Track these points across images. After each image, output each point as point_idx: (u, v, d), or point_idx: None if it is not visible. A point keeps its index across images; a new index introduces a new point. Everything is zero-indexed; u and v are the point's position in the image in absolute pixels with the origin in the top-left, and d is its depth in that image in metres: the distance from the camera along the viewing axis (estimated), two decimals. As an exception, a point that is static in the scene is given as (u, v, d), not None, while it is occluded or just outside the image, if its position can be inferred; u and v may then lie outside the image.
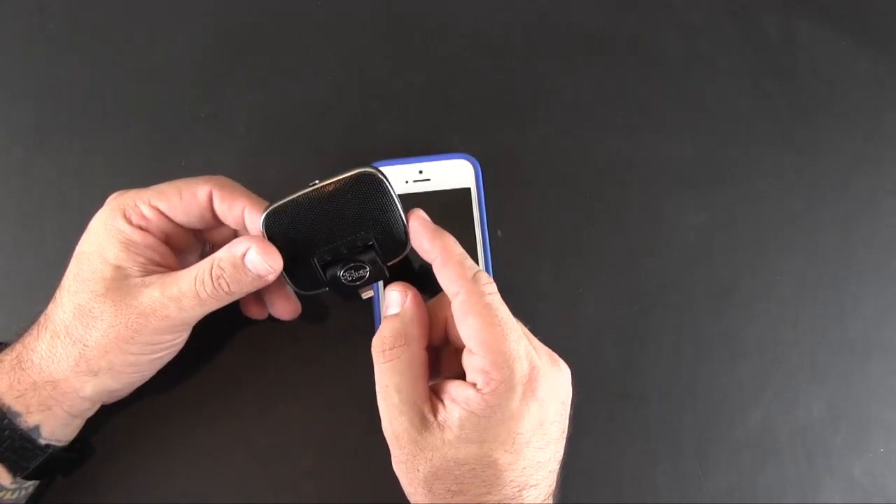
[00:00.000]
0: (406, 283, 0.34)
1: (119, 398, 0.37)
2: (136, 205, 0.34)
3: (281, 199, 0.32)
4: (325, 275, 0.34)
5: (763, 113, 0.47)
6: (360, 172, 0.32)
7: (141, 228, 0.34)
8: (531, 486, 0.31)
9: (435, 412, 0.31)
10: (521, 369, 0.31)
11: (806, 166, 0.46)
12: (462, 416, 0.30)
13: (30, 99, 0.46)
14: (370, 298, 0.41)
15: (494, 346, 0.30)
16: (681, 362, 0.43)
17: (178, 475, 0.40)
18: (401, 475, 0.33)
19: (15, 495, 0.35)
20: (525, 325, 0.33)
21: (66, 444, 0.36)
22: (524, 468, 0.31)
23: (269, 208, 0.32)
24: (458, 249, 0.33)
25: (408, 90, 0.47)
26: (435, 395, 0.32)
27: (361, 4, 0.48)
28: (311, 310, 0.42)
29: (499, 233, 0.43)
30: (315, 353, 0.42)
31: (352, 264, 0.34)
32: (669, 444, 0.41)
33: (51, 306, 0.34)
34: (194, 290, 0.33)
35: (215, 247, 0.34)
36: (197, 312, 0.33)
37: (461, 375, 0.32)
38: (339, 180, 0.32)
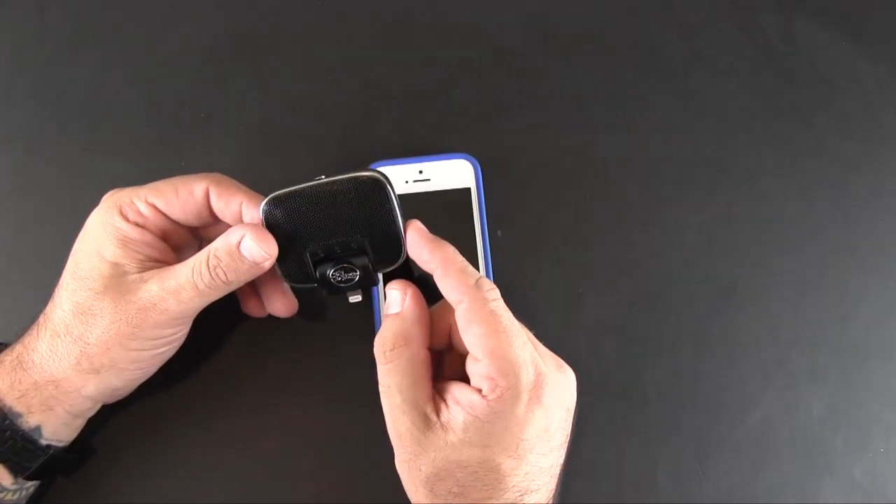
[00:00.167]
0: (406, 281, 0.34)
1: (120, 397, 0.37)
2: (132, 202, 0.34)
3: (286, 187, 0.33)
4: (315, 271, 0.34)
5: (763, 113, 0.47)
6: (366, 176, 0.32)
7: (138, 225, 0.34)
8: (532, 492, 0.31)
9: (438, 412, 0.32)
10: (526, 376, 0.30)
11: (806, 166, 0.46)
12: (466, 420, 0.30)
13: (30, 99, 0.46)
14: (371, 297, 0.41)
15: (500, 352, 0.30)
16: (681, 362, 0.43)
17: (178, 475, 0.40)
18: (403, 474, 0.33)
19: (16, 496, 0.35)
20: (529, 328, 0.33)
21: (67, 444, 0.36)
22: (527, 473, 0.31)
23: (272, 195, 0.33)
24: (459, 258, 0.33)
25: (408, 90, 0.47)
26: (439, 395, 0.32)
27: (361, 4, 0.48)
28: (312, 309, 0.42)
29: (499, 233, 0.43)
30: (315, 353, 0.42)
31: (343, 265, 0.34)
32: (669, 444, 0.41)
33: (50, 305, 0.34)
34: (192, 282, 0.33)
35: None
36: (196, 304, 0.33)
37: (465, 379, 0.32)
38: (344, 179, 0.32)
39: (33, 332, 0.34)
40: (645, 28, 0.49)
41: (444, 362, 0.36)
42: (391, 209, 0.33)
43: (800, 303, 0.44)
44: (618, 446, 0.41)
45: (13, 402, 0.33)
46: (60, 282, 0.34)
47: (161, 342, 0.34)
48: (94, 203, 0.35)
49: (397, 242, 0.34)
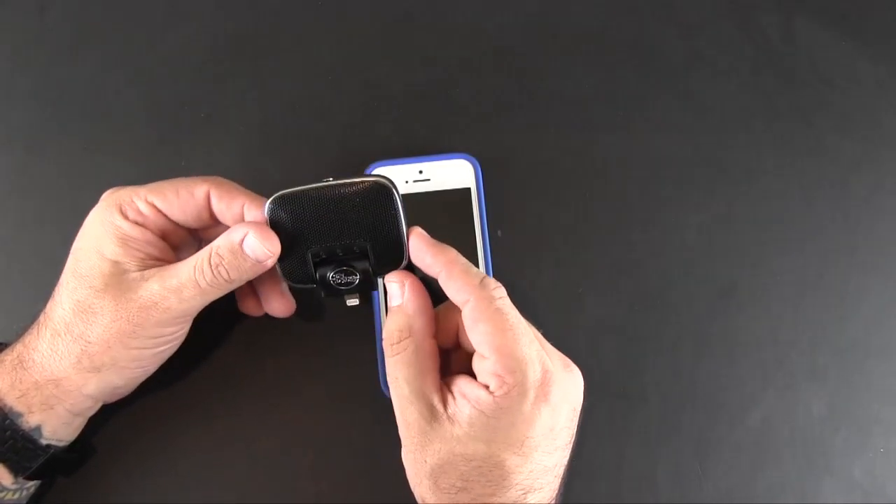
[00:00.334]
0: (404, 272, 0.34)
1: (121, 396, 0.37)
2: (132, 201, 0.34)
3: (292, 187, 0.33)
4: (315, 272, 0.34)
5: (763, 113, 0.47)
6: (375, 181, 0.33)
7: (137, 224, 0.34)
8: (536, 490, 0.31)
9: (445, 404, 0.32)
10: (533, 373, 0.31)
11: (806, 166, 0.46)
12: (472, 415, 0.31)
13: (30, 99, 0.46)
14: (371, 297, 0.41)
15: (507, 350, 0.31)
16: (681, 362, 0.43)
17: (178, 475, 0.40)
18: (408, 466, 0.33)
19: (16, 496, 0.35)
20: (536, 327, 0.34)
21: (68, 443, 0.36)
22: (531, 471, 0.31)
23: (279, 193, 0.33)
24: (462, 259, 0.33)
25: (408, 90, 0.47)
26: (447, 387, 0.33)
27: (361, 4, 0.48)
28: (312, 309, 0.42)
29: (499, 233, 0.43)
30: (315, 353, 0.42)
31: (344, 268, 0.34)
32: (669, 444, 0.41)
33: (50, 304, 0.34)
34: (194, 280, 0.33)
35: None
36: (197, 302, 0.33)
37: (473, 377, 0.33)
38: (352, 182, 0.33)
39: (34, 331, 0.34)
40: (645, 28, 0.49)
41: (452, 361, 0.36)
42: (396, 215, 0.33)
43: (800, 303, 0.44)
44: (618, 446, 0.41)
45: (13, 402, 0.33)
46: (61, 280, 0.34)
47: (162, 340, 0.34)
48: (94, 203, 0.35)
49: (399, 248, 0.34)
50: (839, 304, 0.44)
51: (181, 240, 0.37)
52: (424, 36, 0.48)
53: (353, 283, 0.35)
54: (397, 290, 0.34)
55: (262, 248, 0.32)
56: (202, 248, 0.34)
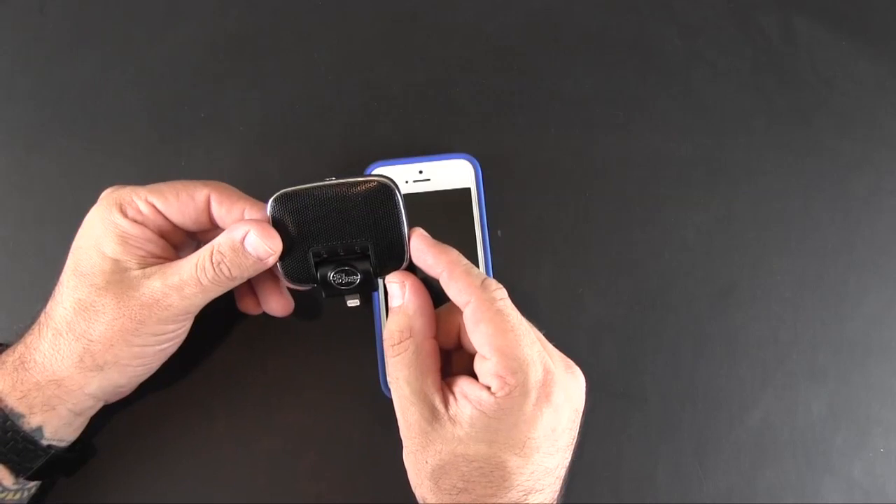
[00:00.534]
0: (405, 272, 0.34)
1: (122, 395, 0.37)
2: (132, 200, 0.34)
3: (294, 185, 0.33)
4: (316, 272, 0.35)
5: (763, 113, 0.47)
6: (375, 180, 0.33)
7: (137, 223, 0.34)
8: (537, 491, 0.31)
9: (446, 404, 0.32)
10: (535, 374, 0.31)
11: (806, 166, 0.46)
12: (473, 415, 0.31)
13: (30, 99, 0.46)
14: (371, 298, 0.41)
15: (508, 351, 0.31)
16: (681, 362, 0.43)
17: (179, 475, 0.40)
18: (409, 467, 0.33)
19: (17, 496, 0.35)
20: (538, 328, 0.34)
21: (69, 444, 0.36)
22: (532, 472, 0.31)
23: (280, 192, 0.33)
24: (463, 260, 0.33)
25: (408, 90, 0.47)
26: (448, 387, 0.33)
27: (361, 4, 0.48)
28: (312, 309, 0.42)
29: (499, 233, 0.43)
30: (315, 353, 0.42)
31: (345, 268, 0.34)
32: (669, 444, 0.41)
33: (50, 303, 0.34)
34: (195, 278, 0.33)
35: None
36: (199, 300, 0.33)
37: (474, 376, 0.32)
38: (355, 182, 0.33)
39: (35, 331, 0.34)
40: (645, 28, 0.49)
41: (453, 362, 0.36)
42: (398, 215, 0.33)
43: (800, 303, 0.44)
44: (618, 446, 0.41)
45: (15, 403, 0.33)
46: (61, 279, 0.34)
47: (164, 338, 0.34)
48: (94, 203, 0.35)
49: (400, 248, 0.34)
50: (839, 304, 0.44)
51: (180, 241, 0.37)
52: (424, 36, 0.48)
53: (354, 283, 0.35)
54: (398, 290, 0.34)
55: (264, 245, 0.32)
56: (201, 246, 0.34)
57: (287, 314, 0.39)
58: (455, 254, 0.33)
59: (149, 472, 0.40)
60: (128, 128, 0.46)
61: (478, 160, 0.43)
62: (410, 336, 0.33)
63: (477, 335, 0.31)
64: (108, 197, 0.35)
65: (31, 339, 0.34)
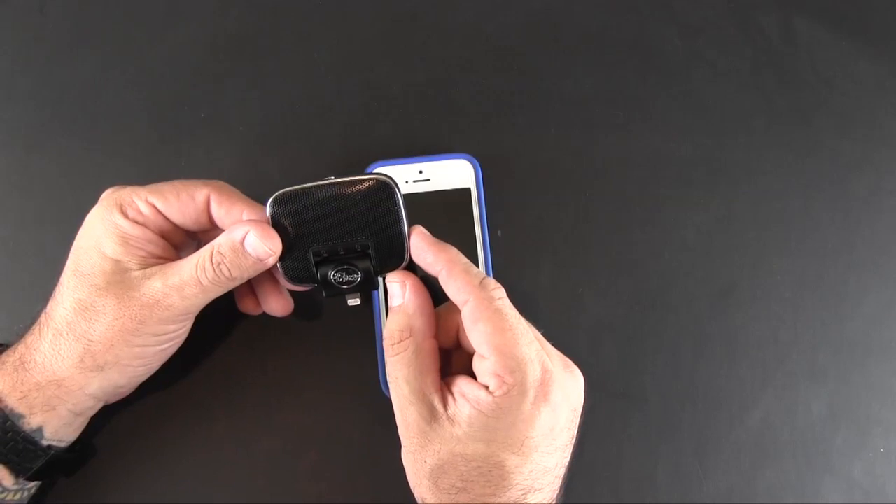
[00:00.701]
0: (405, 272, 0.34)
1: (122, 395, 0.37)
2: (132, 200, 0.34)
3: (293, 185, 0.33)
4: (316, 271, 0.35)
5: (763, 113, 0.47)
6: (375, 179, 0.33)
7: (137, 223, 0.34)
8: (536, 491, 0.31)
9: (445, 404, 0.32)
10: (533, 373, 0.31)
11: (806, 166, 0.46)
12: (472, 415, 0.31)
13: (30, 99, 0.46)
14: (371, 297, 0.41)
15: (506, 350, 0.31)
16: (681, 362, 0.43)
17: (179, 475, 0.40)
18: (408, 467, 0.33)
19: (17, 496, 0.35)
20: (537, 328, 0.34)
21: (68, 444, 0.36)
22: (531, 472, 0.31)
23: (279, 192, 0.33)
24: (463, 259, 0.33)
25: (408, 90, 0.47)
26: (446, 387, 0.33)
27: (361, 4, 0.48)
28: (312, 309, 0.42)
29: (499, 233, 0.43)
30: (315, 353, 0.42)
31: (345, 267, 0.34)
32: (669, 444, 0.41)
33: (51, 304, 0.34)
34: (196, 278, 0.33)
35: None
36: (200, 300, 0.33)
37: (473, 377, 0.33)
38: (353, 181, 0.33)
39: (35, 331, 0.34)
40: (645, 28, 0.49)
41: (452, 361, 0.36)
42: (398, 213, 0.33)
43: (799, 303, 0.44)
44: (618, 446, 0.41)
45: (15, 404, 0.33)
46: (61, 280, 0.34)
47: (165, 338, 0.34)
48: (94, 203, 0.35)
49: (400, 246, 0.34)
50: (839, 304, 0.44)
51: (181, 241, 0.37)
52: (424, 36, 0.48)
53: (355, 281, 0.35)
54: (398, 289, 0.34)
55: (263, 246, 0.32)
56: (201, 246, 0.34)
57: (287, 314, 0.39)
58: (454, 252, 0.33)
59: (149, 472, 0.40)
60: (128, 128, 0.46)
61: (478, 160, 0.43)
62: (410, 336, 0.33)
63: (475, 334, 0.31)
64: (109, 197, 0.35)
65: (31, 339, 0.34)
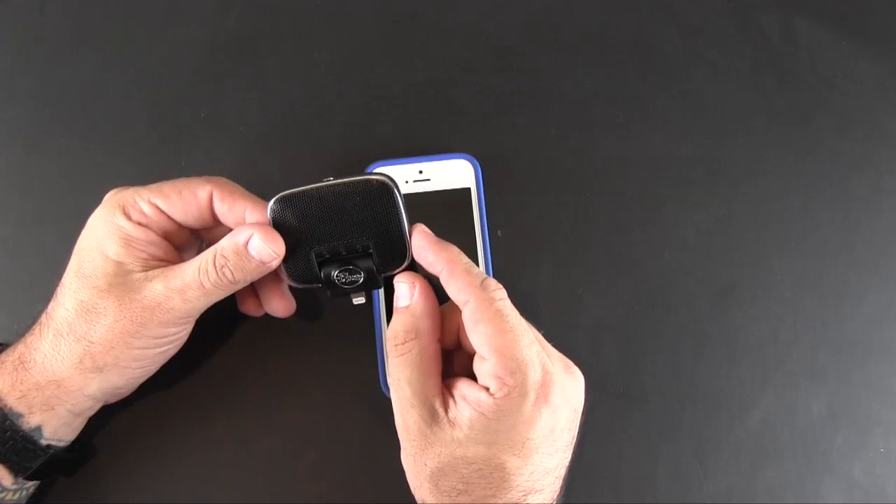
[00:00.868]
0: (414, 274, 0.34)
1: (122, 396, 0.37)
2: (135, 201, 0.34)
3: (293, 187, 0.33)
4: (320, 271, 0.35)
5: (763, 113, 0.47)
6: (373, 179, 0.33)
7: (140, 225, 0.34)
8: (536, 492, 0.31)
9: (446, 407, 0.32)
10: (534, 375, 0.31)
11: (806, 166, 0.46)
12: (472, 417, 0.31)
13: (30, 99, 0.46)
14: (372, 297, 0.41)
15: (507, 351, 0.30)
16: (681, 362, 0.43)
17: (179, 475, 0.40)
18: (408, 469, 0.33)
19: (16, 496, 0.35)
20: (538, 328, 0.33)
21: (68, 444, 0.36)
22: (532, 473, 0.31)
23: (280, 194, 0.33)
24: (464, 259, 0.33)
25: (408, 90, 0.47)
26: (447, 390, 0.33)
27: (361, 4, 0.48)
28: (312, 309, 0.42)
29: (499, 233, 0.43)
30: (315, 353, 0.42)
31: (348, 267, 0.34)
32: (669, 444, 0.41)
33: (52, 304, 0.34)
34: (198, 281, 0.33)
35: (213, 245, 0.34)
36: (201, 303, 0.33)
37: (473, 378, 0.32)
38: (351, 182, 0.33)
39: (35, 331, 0.34)
40: (645, 28, 0.49)
41: (453, 361, 0.36)
42: (398, 213, 0.33)
43: (800, 303, 0.44)
44: (618, 446, 0.41)
45: (14, 403, 0.33)
46: (63, 281, 0.34)
47: (165, 340, 0.34)
48: (95, 203, 0.35)
49: (402, 246, 0.34)
50: (839, 304, 0.44)
51: (184, 240, 0.37)
52: (424, 36, 0.48)
53: (358, 281, 0.35)
54: (406, 290, 0.34)
55: (268, 249, 0.33)
56: (204, 248, 0.34)
57: (289, 315, 0.39)
58: (455, 251, 0.33)
59: (149, 473, 0.40)
60: (128, 128, 0.46)
61: (478, 160, 0.43)
62: (415, 337, 0.33)
63: (476, 335, 0.31)
64: (112, 199, 0.35)
65: (31, 339, 0.34)
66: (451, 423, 0.31)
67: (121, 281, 0.33)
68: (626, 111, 0.47)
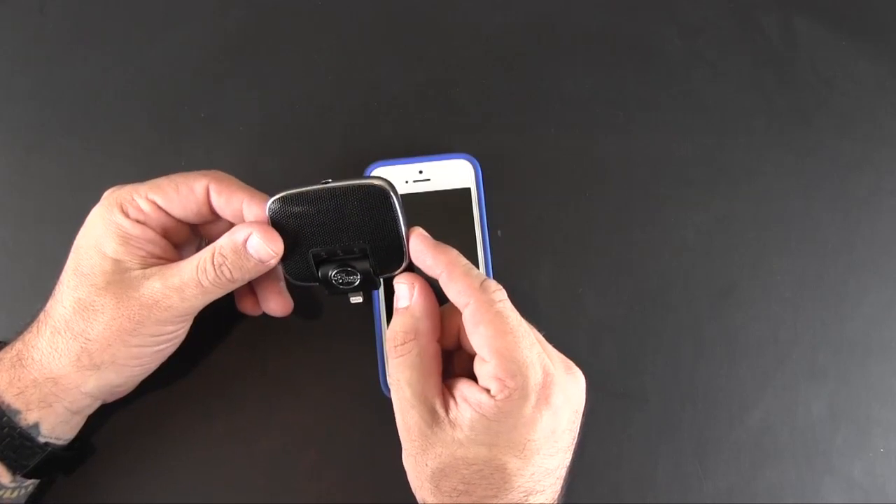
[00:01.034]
0: (414, 275, 0.34)
1: (120, 395, 0.37)
2: (133, 199, 0.34)
3: (292, 188, 0.33)
4: (317, 271, 0.35)
5: (763, 113, 0.47)
6: (370, 184, 0.33)
7: (138, 222, 0.34)
8: (538, 493, 0.31)
9: (447, 408, 0.32)
10: (534, 376, 0.31)
11: (806, 166, 0.46)
12: (473, 418, 0.31)
13: (30, 99, 0.46)
14: (371, 297, 0.41)
15: (507, 353, 0.30)
16: (681, 362, 0.43)
17: (178, 475, 0.40)
18: (409, 469, 0.33)
19: (15, 494, 0.35)
20: (538, 329, 0.33)
21: (66, 442, 0.36)
22: (533, 474, 0.31)
23: (280, 194, 0.33)
24: (463, 260, 0.33)
25: (408, 90, 0.47)
26: (448, 391, 0.33)
27: (361, 4, 0.49)
28: (312, 308, 0.42)
29: (499, 233, 0.43)
30: (315, 353, 0.42)
31: (345, 268, 0.34)
32: (669, 444, 0.41)
33: (50, 302, 0.34)
34: (196, 279, 0.33)
35: (211, 241, 0.34)
36: (199, 302, 0.33)
37: (474, 379, 0.32)
38: (348, 185, 0.33)
39: (33, 329, 0.34)
40: (645, 28, 0.49)
41: (454, 362, 0.36)
42: (395, 217, 0.33)
43: (800, 303, 0.44)
44: (618, 446, 0.41)
45: (12, 399, 0.33)
46: (61, 278, 0.34)
47: (162, 339, 0.34)
48: (95, 203, 0.35)
49: (399, 250, 0.34)
50: (839, 304, 0.44)
51: (182, 237, 0.37)
52: (424, 36, 0.48)
53: (354, 282, 0.35)
54: (406, 291, 0.34)
55: (266, 248, 0.33)
56: (203, 245, 0.34)
57: (287, 314, 0.39)
58: (454, 254, 0.33)
59: (148, 472, 0.39)
60: (128, 128, 0.46)
61: (478, 160, 0.43)
62: (415, 338, 0.33)
63: (476, 337, 0.31)
64: (110, 197, 0.35)
65: (29, 336, 0.34)
66: (452, 424, 0.31)
67: (118, 279, 0.33)
68: (626, 111, 0.47)
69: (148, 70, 0.47)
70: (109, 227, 0.33)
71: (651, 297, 0.44)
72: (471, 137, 0.46)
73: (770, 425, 0.42)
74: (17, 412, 0.33)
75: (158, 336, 0.34)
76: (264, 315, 0.39)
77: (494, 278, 0.33)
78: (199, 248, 0.38)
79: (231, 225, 0.37)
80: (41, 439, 0.34)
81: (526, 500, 0.31)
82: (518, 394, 0.30)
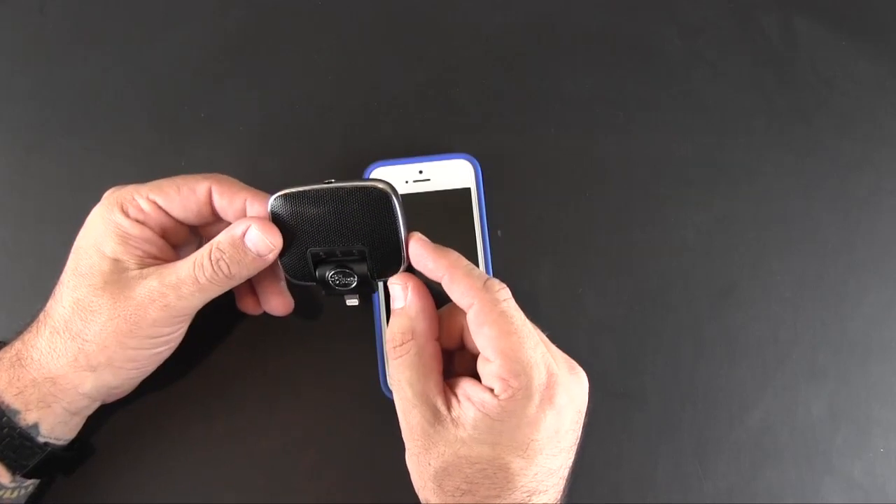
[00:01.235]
0: (407, 274, 0.34)
1: (119, 396, 0.37)
2: (133, 198, 0.34)
3: (295, 186, 0.33)
4: (315, 271, 0.35)
5: (763, 113, 0.47)
6: (372, 186, 0.33)
7: (138, 222, 0.34)
8: (541, 492, 0.31)
9: (449, 407, 0.32)
10: (538, 377, 0.31)
11: (806, 166, 0.46)
12: (476, 417, 0.31)
13: (30, 99, 0.46)
14: (371, 298, 0.41)
15: (511, 353, 0.30)
16: (681, 362, 0.43)
17: (178, 475, 0.40)
18: (412, 469, 0.33)
19: (14, 494, 0.35)
20: (541, 330, 0.33)
21: (66, 442, 0.36)
22: (536, 474, 0.31)
23: (282, 191, 0.33)
24: (463, 262, 0.33)
25: (408, 90, 0.47)
26: (450, 390, 0.33)
27: (362, 4, 0.49)
28: (312, 308, 0.42)
29: (499, 233, 0.43)
30: (315, 353, 0.42)
31: (343, 269, 0.34)
32: (669, 444, 0.41)
33: (50, 302, 0.34)
34: (193, 276, 0.33)
35: None
36: (196, 300, 0.33)
37: (477, 377, 0.32)
38: (350, 187, 0.33)
39: (33, 329, 0.34)
40: (645, 28, 0.49)
41: (455, 361, 0.36)
42: (394, 222, 0.33)
43: (800, 303, 0.44)
44: (618, 446, 0.41)
45: (11, 399, 0.33)
46: (61, 279, 0.34)
47: (159, 341, 0.34)
48: (95, 203, 0.35)
49: (397, 254, 0.34)
50: (839, 304, 0.44)
51: (182, 238, 0.37)
52: (424, 36, 0.48)
53: (351, 284, 0.35)
54: (400, 292, 0.34)
55: (265, 241, 0.33)
56: (202, 245, 0.34)
57: (287, 313, 0.39)
58: (455, 256, 0.33)
59: (148, 472, 0.39)
60: (128, 128, 0.46)
61: (478, 160, 0.43)
62: (412, 338, 0.33)
63: (480, 338, 0.31)
64: (110, 196, 0.35)
65: (28, 336, 0.34)
66: (455, 423, 0.31)
67: (116, 279, 0.33)
68: (626, 111, 0.47)
69: (148, 70, 0.47)
70: (109, 226, 0.33)
71: (651, 297, 0.44)
72: (471, 137, 0.46)
73: (770, 425, 0.42)
74: (17, 412, 0.33)
75: (155, 338, 0.34)
76: (264, 315, 0.39)
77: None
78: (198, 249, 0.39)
79: None
80: (41, 439, 0.34)
81: (529, 500, 0.31)
82: (522, 394, 0.30)
